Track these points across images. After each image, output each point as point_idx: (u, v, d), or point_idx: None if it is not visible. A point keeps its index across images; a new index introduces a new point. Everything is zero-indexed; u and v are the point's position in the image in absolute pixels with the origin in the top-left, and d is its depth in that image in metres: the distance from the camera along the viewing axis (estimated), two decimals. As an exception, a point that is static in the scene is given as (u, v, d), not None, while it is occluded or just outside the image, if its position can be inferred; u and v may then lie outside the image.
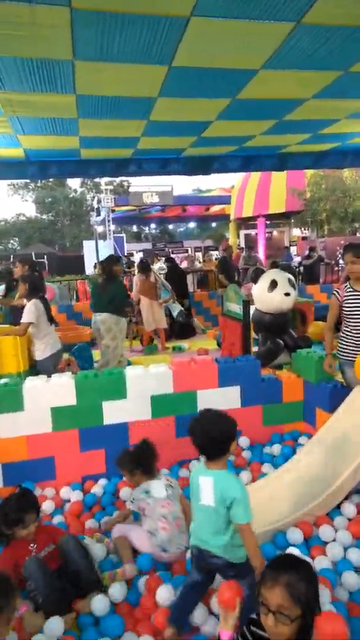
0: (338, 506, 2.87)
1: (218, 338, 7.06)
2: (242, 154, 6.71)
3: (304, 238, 19.57)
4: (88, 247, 20.05)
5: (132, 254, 21.47)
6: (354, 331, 3.51)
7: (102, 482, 3.43)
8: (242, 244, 18.77)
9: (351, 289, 3.52)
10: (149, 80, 3.79)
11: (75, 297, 12.06)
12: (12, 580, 1.77)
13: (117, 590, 2.27)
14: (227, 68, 3.64)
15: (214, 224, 28.45)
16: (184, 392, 3.64)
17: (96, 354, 6.40)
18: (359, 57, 3.61)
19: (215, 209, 22.07)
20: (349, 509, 2.87)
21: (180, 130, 5.29)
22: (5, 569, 2.24)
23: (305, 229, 20.85)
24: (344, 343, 3.59)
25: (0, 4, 2.54)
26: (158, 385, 3.59)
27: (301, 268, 12.32)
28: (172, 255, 14.82)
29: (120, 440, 3.41)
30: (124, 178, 28.59)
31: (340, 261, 12.20)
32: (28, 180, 35.44)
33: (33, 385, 3.39)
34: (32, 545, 2.38)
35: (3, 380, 3.54)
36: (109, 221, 18.11)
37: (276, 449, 3.74)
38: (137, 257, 17.84)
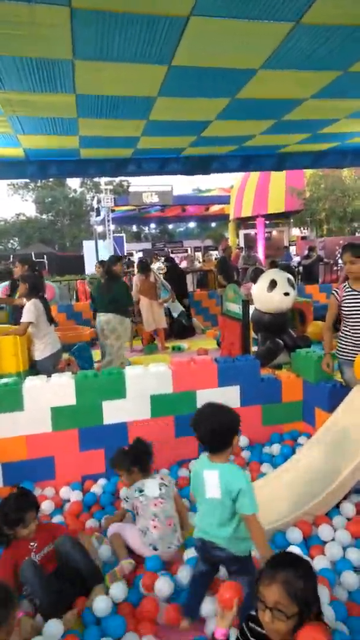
0: (337, 506, 2.88)
1: (217, 338, 7.06)
2: (241, 153, 6.71)
3: (303, 238, 19.55)
4: (88, 247, 20.03)
5: (131, 254, 21.46)
6: (353, 331, 3.51)
7: (102, 481, 3.43)
8: (242, 244, 18.78)
9: (350, 289, 3.53)
10: (148, 79, 3.79)
11: (75, 297, 12.06)
12: (12, 591, 1.77)
13: (118, 590, 2.27)
14: (226, 68, 3.64)
15: (213, 224, 28.49)
16: (183, 391, 3.64)
17: (96, 354, 6.41)
18: (358, 57, 3.61)
19: (214, 208, 22.13)
20: (348, 508, 2.88)
21: (180, 129, 5.29)
22: (7, 572, 2.26)
23: (304, 229, 20.84)
24: (343, 343, 3.59)
25: (0, 3, 2.54)
26: (157, 385, 3.59)
27: (300, 268, 12.32)
28: (172, 255, 14.85)
29: (119, 440, 3.40)
30: (123, 178, 28.65)
31: (339, 261, 12.21)
32: (28, 180, 35.43)
33: (33, 385, 3.40)
34: (32, 544, 2.38)
35: (3, 380, 3.54)
36: (108, 221, 18.11)
37: (275, 448, 3.74)
38: (136, 257, 17.85)
